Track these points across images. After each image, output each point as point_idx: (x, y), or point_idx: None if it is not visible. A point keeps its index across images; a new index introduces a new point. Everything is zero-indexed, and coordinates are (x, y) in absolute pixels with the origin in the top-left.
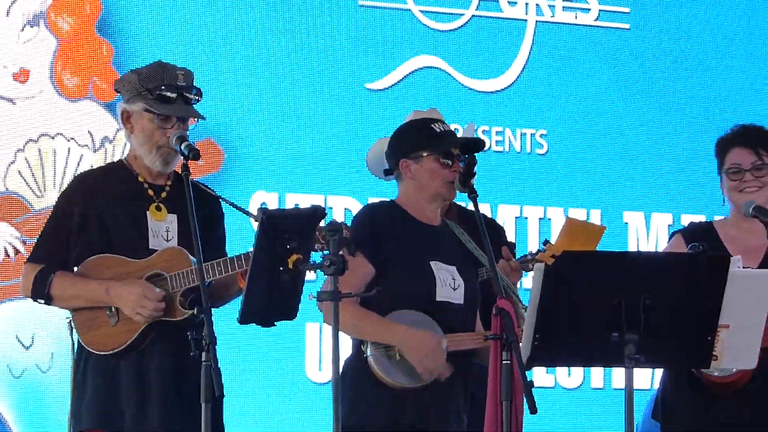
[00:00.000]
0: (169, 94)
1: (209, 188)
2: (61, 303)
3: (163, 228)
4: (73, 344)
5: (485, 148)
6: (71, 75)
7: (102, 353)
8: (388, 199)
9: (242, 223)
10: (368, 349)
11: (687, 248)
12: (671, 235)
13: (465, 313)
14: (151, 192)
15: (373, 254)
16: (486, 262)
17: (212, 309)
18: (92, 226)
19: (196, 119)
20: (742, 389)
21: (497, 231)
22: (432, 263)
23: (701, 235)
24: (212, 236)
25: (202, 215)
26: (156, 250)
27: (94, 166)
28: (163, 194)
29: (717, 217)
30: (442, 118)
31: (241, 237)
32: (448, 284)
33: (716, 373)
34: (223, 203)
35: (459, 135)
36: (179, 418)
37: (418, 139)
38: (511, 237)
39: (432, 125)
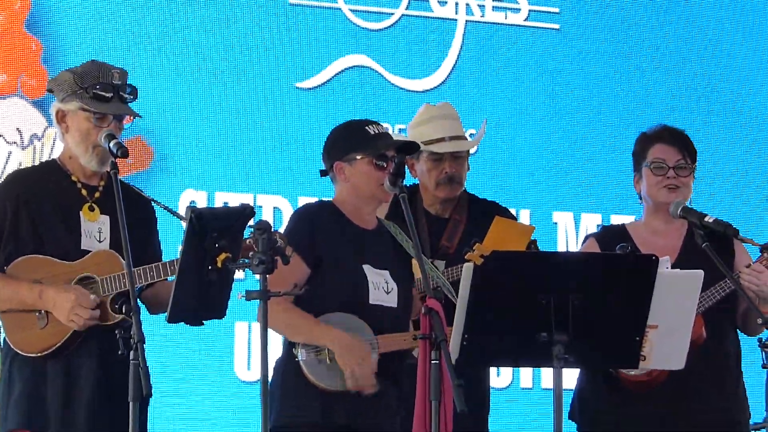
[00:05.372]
0: (104, 92)
1: (141, 191)
2: None
3: (95, 228)
4: (0, 344)
5: (419, 150)
6: None
7: (29, 355)
8: (325, 199)
9: (171, 225)
10: (299, 353)
11: (600, 250)
12: (584, 239)
13: (399, 316)
14: (84, 192)
15: (308, 254)
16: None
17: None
18: (24, 225)
19: (132, 118)
20: (658, 387)
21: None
22: (365, 266)
23: (615, 238)
24: (149, 239)
25: (137, 217)
26: (88, 251)
27: (23, 164)
28: (97, 194)
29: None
30: (453, 112)
31: (170, 238)
32: (381, 288)
33: (632, 372)
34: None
35: (468, 134)
36: (106, 422)
37: (352, 142)
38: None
39: (366, 127)
